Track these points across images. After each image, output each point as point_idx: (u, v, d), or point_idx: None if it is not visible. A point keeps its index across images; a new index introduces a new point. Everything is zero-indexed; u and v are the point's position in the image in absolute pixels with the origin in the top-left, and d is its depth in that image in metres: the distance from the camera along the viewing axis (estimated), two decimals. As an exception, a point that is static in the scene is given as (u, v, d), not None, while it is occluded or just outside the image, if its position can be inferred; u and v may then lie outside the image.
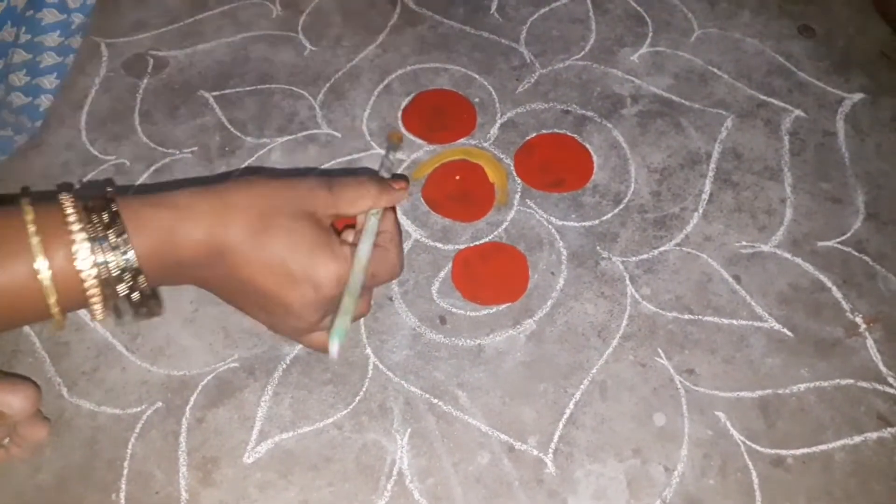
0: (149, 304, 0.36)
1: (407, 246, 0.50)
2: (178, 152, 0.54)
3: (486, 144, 0.54)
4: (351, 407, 0.44)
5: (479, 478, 0.41)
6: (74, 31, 0.55)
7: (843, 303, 0.47)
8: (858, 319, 0.46)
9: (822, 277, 0.48)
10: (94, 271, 0.34)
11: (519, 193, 0.52)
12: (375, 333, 0.46)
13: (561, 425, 0.43)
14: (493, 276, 0.48)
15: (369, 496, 0.41)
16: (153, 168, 0.53)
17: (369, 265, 0.39)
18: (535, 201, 0.52)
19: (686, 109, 0.56)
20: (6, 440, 0.41)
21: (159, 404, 0.44)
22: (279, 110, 0.56)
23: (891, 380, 0.44)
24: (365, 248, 0.39)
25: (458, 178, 0.53)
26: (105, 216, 0.34)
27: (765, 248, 0.49)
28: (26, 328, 0.47)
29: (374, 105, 0.56)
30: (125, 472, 0.42)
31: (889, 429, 0.42)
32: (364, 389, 0.44)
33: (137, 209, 0.35)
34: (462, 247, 0.50)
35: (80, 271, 0.34)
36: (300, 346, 0.46)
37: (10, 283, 0.33)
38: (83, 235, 0.34)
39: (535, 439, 0.43)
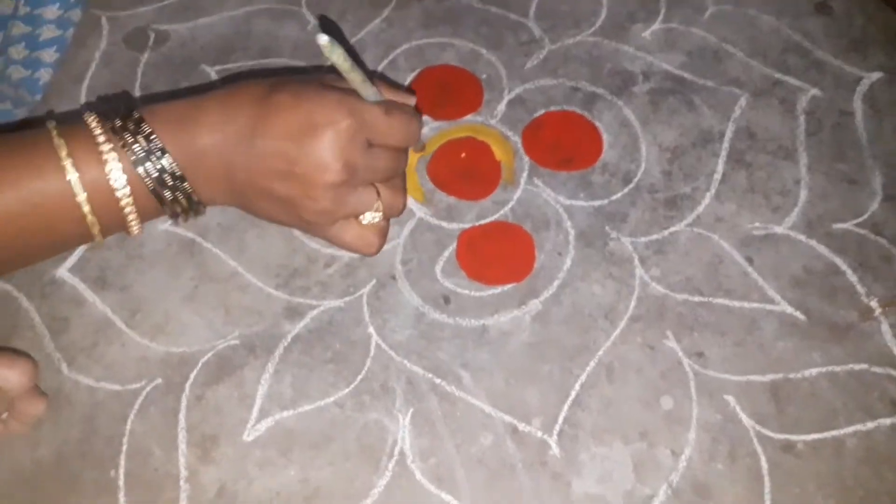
0: (193, 205, 0.39)
1: (411, 224, 0.49)
2: (179, 127, 0.53)
3: (493, 121, 0.53)
4: (352, 386, 0.43)
5: (482, 459, 0.41)
6: (74, 4, 0.54)
7: (858, 286, 0.46)
8: (873, 303, 0.45)
9: (837, 260, 0.47)
10: (127, 187, 0.36)
11: (526, 172, 0.51)
12: (378, 312, 0.45)
13: (566, 407, 0.42)
14: (499, 255, 0.47)
15: (370, 476, 0.40)
16: (154, 143, 0.52)
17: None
18: (543, 180, 0.51)
19: (699, 87, 0.54)
20: (4, 415, 0.41)
21: (159, 381, 0.44)
22: (283, 85, 0.55)
23: (906, 365, 0.43)
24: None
25: (463, 155, 0.51)
26: (133, 133, 0.36)
27: (778, 229, 0.48)
28: (25, 303, 0.46)
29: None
30: (124, 448, 0.42)
31: (903, 415, 0.42)
32: (366, 368, 0.44)
33: (158, 111, 0.38)
34: (467, 226, 0.49)
35: (113, 187, 0.36)
36: (302, 324, 0.45)
37: (47, 201, 0.35)
38: (113, 154, 0.36)
39: (540, 421, 0.42)
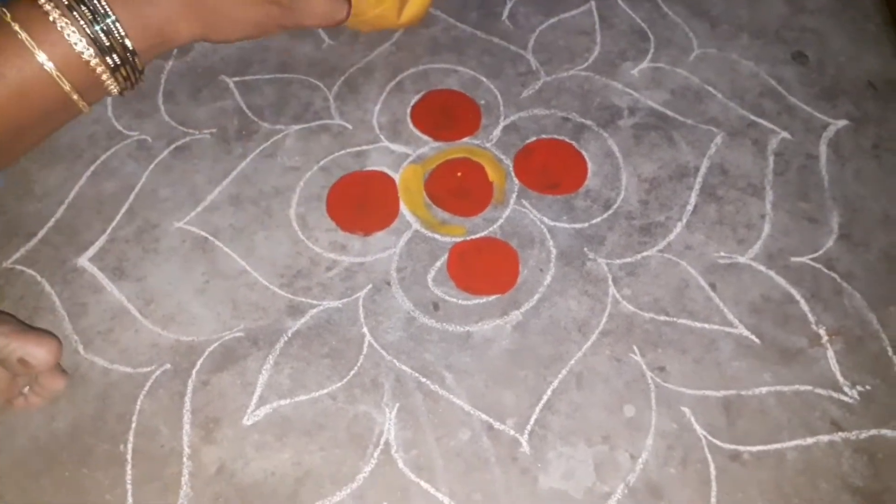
0: (131, 69, 0.38)
1: (407, 235, 0.53)
2: (197, 132, 0.57)
3: (488, 145, 0.57)
4: (345, 380, 0.47)
5: (460, 452, 0.45)
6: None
7: (810, 315, 0.50)
8: (822, 331, 0.49)
9: (793, 290, 0.51)
10: (91, 49, 0.36)
11: (516, 193, 0.55)
12: (372, 315, 0.50)
13: (538, 410, 0.46)
14: (486, 268, 0.52)
15: (357, 462, 0.44)
16: (174, 146, 0.57)
17: None
18: (531, 202, 0.55)
19: (679, 124, 0.59)
20: (26, 389, 0.45)
21: (168, 366, 0.47)
22: (296, 99, 0.59)
23: (846, 389, 0.47)
24: None
25: (459, 174, 0.56)
26: None
27: (741, 259, 0.52)
28: (47, 288, 0.50)
29: (385, 100, 0.60)
30: (133, 425, 0.45)
31: (840, 433, 0.46)
32: (358, 365, 0.48)
33: None
34: (459, 239, 0.53)
35: (78, 52, 0.35)
36: (302, 321, 0.49)
37: (21, 84, 0.35)
38: (64, 19, 0.35)
39: (513, 421, 0.46)
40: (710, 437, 0.45)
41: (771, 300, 0.51)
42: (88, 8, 0.36)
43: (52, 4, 0.35)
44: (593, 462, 0.45)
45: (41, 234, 0.53)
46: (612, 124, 0.59)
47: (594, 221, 0.54)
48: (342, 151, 0.57)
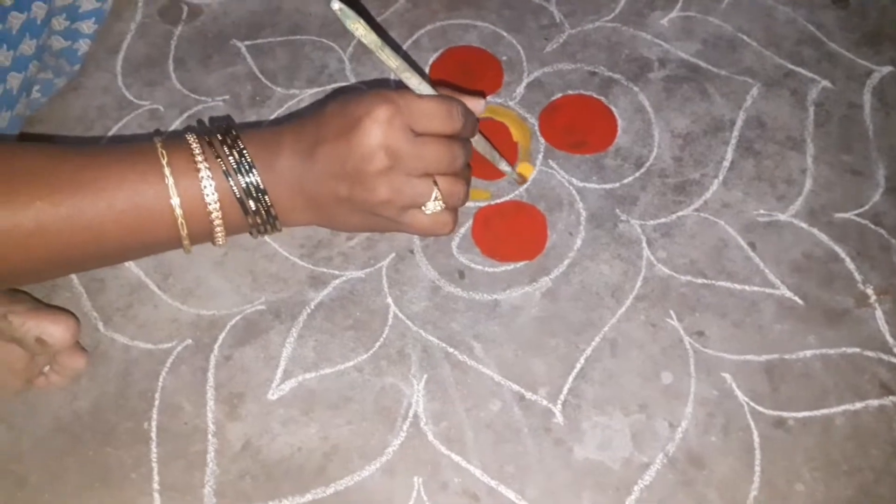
0: (271, 218, 0.43)
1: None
2: (210, 100, 0.55)
3: (511, 103, 0.55)
4: (371, 352, 0.46)
5: (490, 424, 0.43)
6: (113, -24, 0.56)
7: (856, 274, 0.48)
8: (869, 290, 0.47)
9: (837, 248, 0.49)
10: (216, 195, 0.41)
11: (542, 153, 0.53)
12: (396, 284, 0.48)
13: (571, 378, 0.45)
14: (513, 233, 0.50)
15: (385, 436, 0.43)
16: (186, 114, 0.55)
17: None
18: (558, 162, 0.53)
19: (713, 76, 0.56)
20: (46, 368, 0.44)
21: (189, 341, 0.46)
22: (309, 62, 0.57)
23: (896, 350, 0.45)
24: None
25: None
26: (229, 147, 0.41)
27: (782, 217, 0.50)
28: (64, 264, 0.49)
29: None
30: (156, 403, 0.44)
31: (891, 397, 0.44)
32: (384, 336, 0.46)
33: (249, 134, 0.42)
34: (483, 204, 0.51)
35: (204, 197, 0.40)
36: (325, 292, 0.48)
37: (145, 203, 0.40)
38: (207, 169, 0.40)
39: (546, 391, 0.44)
40: (752, 404, 0.44)
41: (814, 259, 0.48)
42: (235, 158, 0.41)
43: (201, 150, 0.41)
44: (630, 431, 0.43)
45: (55, 209, 0.51)
46: (642, 77, 0.56)
47: (626, 181, 0.52)
48: (360, 115, 0.54)
